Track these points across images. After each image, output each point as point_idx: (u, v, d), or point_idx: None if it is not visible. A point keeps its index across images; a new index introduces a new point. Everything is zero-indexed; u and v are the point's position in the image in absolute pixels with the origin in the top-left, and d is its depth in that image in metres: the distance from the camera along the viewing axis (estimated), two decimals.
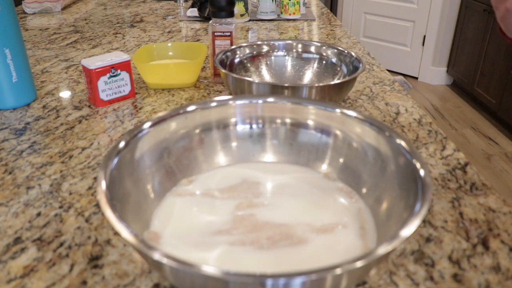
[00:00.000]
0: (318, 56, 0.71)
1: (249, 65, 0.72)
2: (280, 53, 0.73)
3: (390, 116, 0.64)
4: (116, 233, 0.40)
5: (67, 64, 0.88)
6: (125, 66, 0.67)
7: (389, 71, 2.95)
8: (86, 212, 0.43)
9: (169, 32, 1.16)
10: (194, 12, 1.29)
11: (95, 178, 0.49)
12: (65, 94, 0.73)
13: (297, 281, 0.24)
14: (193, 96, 0.72)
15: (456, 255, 0.37)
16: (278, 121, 0.45)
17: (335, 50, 0.70)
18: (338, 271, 0.24)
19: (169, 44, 0.81)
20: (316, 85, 0.55)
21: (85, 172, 0.50)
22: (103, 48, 1.00)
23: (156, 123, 0.40)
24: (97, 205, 0.44)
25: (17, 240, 0.40)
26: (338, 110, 0.42)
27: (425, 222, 0.41)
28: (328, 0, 3.60)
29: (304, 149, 0.45)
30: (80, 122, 0.63)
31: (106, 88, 0.66)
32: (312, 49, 0.72)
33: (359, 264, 0.25)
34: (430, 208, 0.43)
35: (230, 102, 0.45)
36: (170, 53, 0.81)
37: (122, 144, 0.36)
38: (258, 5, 1.26)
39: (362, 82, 0.77)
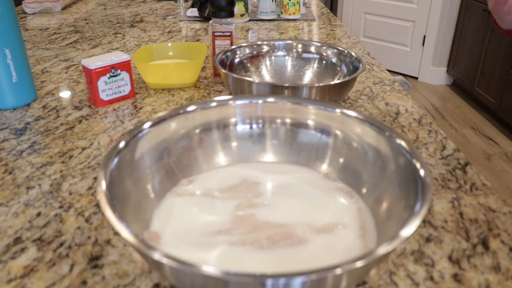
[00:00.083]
0: (318, 56, 0.71)
1: (249, 65, 0.72)
2: (280, 53, 0.73)
3: (390, 116, 0.64)
4: (116, 233, 0.40)
5: (67, 64, 0.88)
6: (125, 66, 0.67)
7: (389, 71, 2.95)
8: (86, 212, 0.43)
9: (169, 32, 1.16)
10: (194, 12, 1.29)
11: (95, 178, 0.49)
12: (65, 94, 0.73)
13: (297, 281, 0.24)
14: (193, 96, 0.72)
15: (456, 255, 0.37)
16: (278, 121, 0.45)
17: (335, 50, 0.70)
18: (338, 271, 0.24)
19: (169, 44, 0.81)
20: (316, 85, 0.55)
21: (85, 172, 0.50)
22: (103, 48, 1.00)
23: (156, 123, 0.40)
24: (97, 205, 0.44)
25: (17, 240, 0.40)
26: (338, 110, 0.42)
27: (425, 222, 0.41)
28: (328, 0, 3.60)
29: (304, 149, 0.45)
30: (80, 122, 0.63)
31: (106, 88, 0.66)
32: (312, 49, 0.72)
33: (359, 264, 0.25)
34: (430, 208, 0.43)
35: (230, 102, 0.45)
36: (170, 53, 0.81)
37: (122, 144, 0.36)
38: (258, 5, 1.26)
39: (362, 82, 0.77)
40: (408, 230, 0.27)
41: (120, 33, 1.14)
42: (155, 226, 0.37)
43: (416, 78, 3.20)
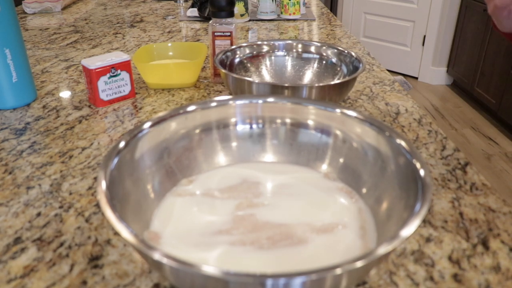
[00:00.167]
0: (318, 56, 0.71)
1: (249, 65, 0.72)
2: (280, 53, 0.73)
3: (390, 116, 0.64)
4: (116, 233, 0.40)
5: (67, 64, 0.88)
6: (125, 66, 0.67)
7: (389, 71, 2.95)
8: (86, 212, 0.43)
9: (169, 32, 1.16)
10: (194, 12, 1.29)
11: (95, 178, 0.49)
12: (65, 94, 0.73)
13: (297, 281, 0.24)
14: (193, 96, 0.72)
15: (456, 255, 0.37)
16: (278, 121, 0.45)
17: (335, 50, 0.70)
18: (338, 271, 0.24)
19: (169, 44, 0.81)
20: (316, 85, 0.55)
21: (85, 172, 0.50)
22: (103, 48, 1.00)
23: (156, 123, 0.40)
24: (97, 205, 0.44)
25: (17, 240, 0.40)
26: (338, 110, 0.42)
27: (425, 222, 0.41)
28: (328, 0, 3.60)
29: (304, 149, 0.45)
30: (80, 122, 0.63)
31: (106, 88, 0.66)
32: (312, 49, 0.72)
33: (359, 264, 0.24)
34: (430, 208, 0.43)
35: (230, 102, 0.45)
36: (170, 53, 0.81)
37: (122, 144, 0.36)
38: (258, 5, 1.26)
39: (362, 82, 0.77)
40: (408, 230, 0.27)
41: (120, 33, 1.14)
42: (155, 226, 0.37)
43: (416, 78, 3.20)
